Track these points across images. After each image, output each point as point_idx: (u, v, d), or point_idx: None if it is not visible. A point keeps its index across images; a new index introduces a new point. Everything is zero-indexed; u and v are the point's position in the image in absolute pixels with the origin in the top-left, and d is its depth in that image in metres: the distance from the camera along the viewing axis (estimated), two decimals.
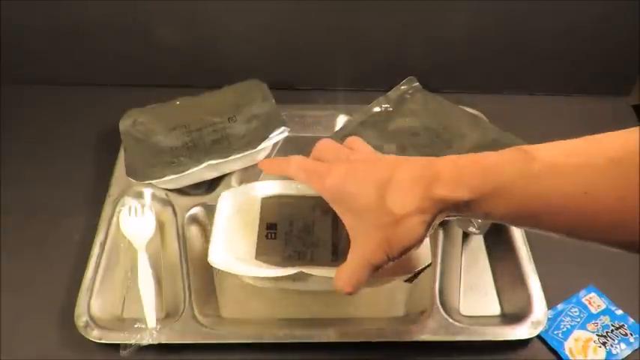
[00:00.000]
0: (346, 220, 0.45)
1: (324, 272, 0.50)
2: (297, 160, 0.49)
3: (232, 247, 0.54)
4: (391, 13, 0.78)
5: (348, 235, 0.46)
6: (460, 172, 0.42)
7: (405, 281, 0.53)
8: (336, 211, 0.46)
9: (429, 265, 0.52)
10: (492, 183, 0.40)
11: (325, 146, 0.51)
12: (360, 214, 0.44)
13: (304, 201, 0.57)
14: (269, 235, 0.55)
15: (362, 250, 0.45)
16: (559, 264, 0.64)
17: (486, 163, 0.41)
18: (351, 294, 0.46)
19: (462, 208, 0.42)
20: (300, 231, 0.55)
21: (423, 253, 0.52)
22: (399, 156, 0.47)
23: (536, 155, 0.40)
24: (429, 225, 0.43)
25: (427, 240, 0.50)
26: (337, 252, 0.54)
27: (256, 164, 0.72)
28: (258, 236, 0.55)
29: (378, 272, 0.45)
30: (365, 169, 0.45)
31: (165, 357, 0.56)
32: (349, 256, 0.46)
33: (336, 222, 0.56)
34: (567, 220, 0.39)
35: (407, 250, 0.44)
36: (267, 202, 0.58)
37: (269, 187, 0.59)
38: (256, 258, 0.53)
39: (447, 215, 0.43)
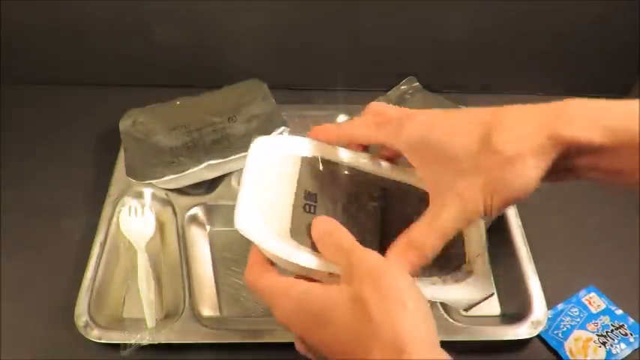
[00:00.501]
0: (427, 173, 0.39)
1: None
2: (362, 118, 0.43)
3: (266, 213, 0.42)
4: (391, 13, 0.78)
5: (397, 233, 0.39)
6: (594, 112, 0.35)
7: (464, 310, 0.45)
8: (414, 164, 0.40)
9: (490, 296, 0.44)
10: (634, 128, 0.34)
11: (382, 105, 0.44)
12: (452, 162, 0.37)
13: (352, 175, 0.46)
14: (307, 207, 0.43)
15: (451, 202, 0.37)
16: (559, 264, 0.64)
17: (630, 106, 0.35)
18: (422, 264, 0.38)
19: (588, 155, 0.35)
20: (343, 212, 0.44)
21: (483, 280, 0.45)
22: None
23: None
24: (543, 173, 0.36)
25: (489, 268, 0.44)
26: (383, 251, 0.41)
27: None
28: (294, 206, 0.43)
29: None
30: (457, 114, 0.39)
31: (165, 357, 0.56)
32: (424, 216, 0.38)
33: (387, 213, 0.45)
34: None
35: (511, 201, 0.37)
36: (309, 164, 0.45)
37: (311, 146, 0.46)
38: (292, 236, 0.41)
39: (565, 166, 0.37)
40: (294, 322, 0.38)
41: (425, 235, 0.38)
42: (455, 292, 0.43)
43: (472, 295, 0.43)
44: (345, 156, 0.46)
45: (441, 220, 0.38)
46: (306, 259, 0.40)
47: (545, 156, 0.36)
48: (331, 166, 0.46)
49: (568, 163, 0.37)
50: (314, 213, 0.43)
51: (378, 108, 0.45)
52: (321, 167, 0.45)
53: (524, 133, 0.36)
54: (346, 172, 0.46)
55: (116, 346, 0.55)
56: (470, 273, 0.44)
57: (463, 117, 0.39)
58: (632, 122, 0.34)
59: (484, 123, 0.38)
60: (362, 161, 0.45)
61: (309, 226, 0.41)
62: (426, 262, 0.39)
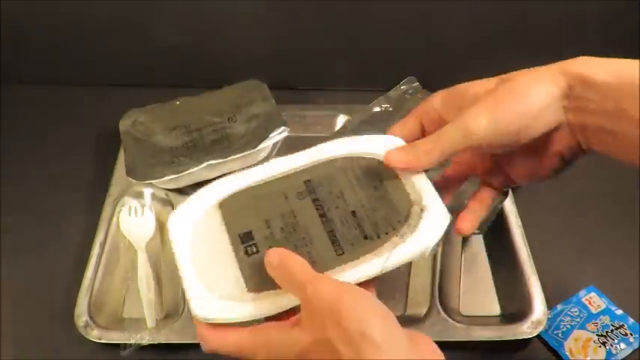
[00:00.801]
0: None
1: (340, 274, 0.39)
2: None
3: (213, 284, 0.40)
4: (391, 13, 0.78)
5: (344, 213, 0.40)
6: (601, 59, 0.39)
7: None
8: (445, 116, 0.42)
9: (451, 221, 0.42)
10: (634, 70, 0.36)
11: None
12: (473, 98, 0.40)
13: (269, 189, 0.44)
14: (248, 249, 0.41)
15: (455, 121, 0.39)
16: (559, 264, 0.64)
17: (633, 60, 0.38)
18: (414, 164, 0.41)
19: (595, 94, 0.37)
20: (283, 230, 0.42)
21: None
22: None
23: None
24: (551, 99, 0.38)
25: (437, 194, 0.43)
26: (338, 241, 0.41)
27: (256, 164, 0.72)
28: (237, 256, 0.40)
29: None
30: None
31: (165, 357, 0.56)
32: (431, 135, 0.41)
33: (319, 201, 0.43)
34: None
35: (517, 118, 0.38)
36: (228, 207, 0.43)
37: (221, 187, 0.45)
38: (249, 289, 0.39)
39: (570, 109, 0.38)
40: None
41: (426, 143, 0.41)
42: (417, 242, 0.41)
43: (436, 232, 0.41)
44: (254, 176, 0.45)
45: (442, 135, 0.40)
46: (271, 306, 0.39)
47: (555, 85, 0.38)
48: (246, 195, 0.44)
49: (580, 100, 0.38)
50: (257, 251, 0.41)
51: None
52: (239, 201, 0.43)
53: (537, 71, 0.39)
54: (265, 191, 0.44)
55: (116, 346, 0.55)
56: (422, 211, 0.42)
57: (484, 80, 0.42)
58: (632, 66, 0.37)
59: (504, 74, 0.41)
60: (273, 168, 0.44)
61: (261, 266, 0.39)
62: (420, 165, 0.41)
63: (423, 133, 0.45)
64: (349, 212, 0.42)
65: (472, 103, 0.40)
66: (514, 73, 0.40)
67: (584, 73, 0.38)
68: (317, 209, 0.43)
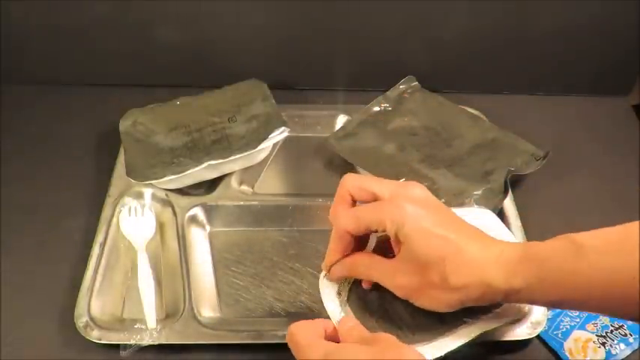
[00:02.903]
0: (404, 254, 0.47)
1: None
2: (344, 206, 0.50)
3: None
4: (391, 13, 0.78)
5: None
6: (508, 262, 0.44)
7: None
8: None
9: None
10: (545, 272, 0.43)
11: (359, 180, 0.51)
12: (417, 263, 0.46)
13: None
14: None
15: (392, 277, 0.48)
16: None
17: (535, 252, 0.44)
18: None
19: (519, 297, 0.44)
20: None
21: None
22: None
23: (583, 243, 0.43)
24: (460, 304, 0.46)
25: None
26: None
27: (256, 164, 0.72)
28: None
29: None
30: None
31: (166, 357, 0.56)
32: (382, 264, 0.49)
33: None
34: (611, 301, 0.41)
35: (427, 309, 0.47)
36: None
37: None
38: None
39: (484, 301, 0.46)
40: None
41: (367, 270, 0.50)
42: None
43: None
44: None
45: (363, 257, 0.50)
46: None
47: (470, 297, 0.45)
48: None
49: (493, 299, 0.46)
50: None
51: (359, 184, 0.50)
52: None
53: (466, 277, 0.44)
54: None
55: (116, 347, 0.55)
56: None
57: (439, 226, 0.46)
58: (545, 264, 0.43)
59: (450, 244, 0.45)
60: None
61: None
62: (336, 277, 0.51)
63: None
64: None
65: (404, 261, 0.47)
66: (452, 265, 0.45)
67: (499, 286, 0.44)
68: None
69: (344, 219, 0.48)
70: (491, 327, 0.51)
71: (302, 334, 0.45)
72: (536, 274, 0.43)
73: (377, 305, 0.52)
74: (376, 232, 0.48)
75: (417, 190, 0.47)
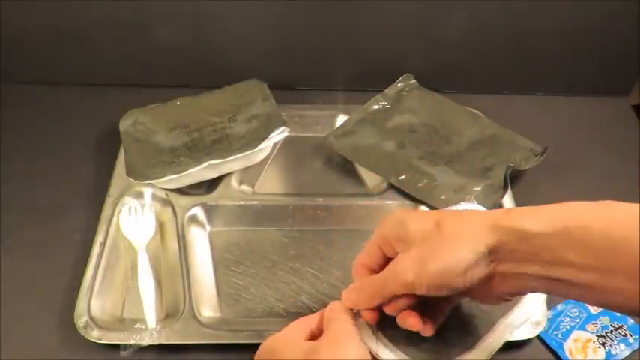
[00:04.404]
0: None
1: None
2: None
3: None
4: (391, 13, 0.78)
5: None
6: (534, 208, 0.40)
7: None
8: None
9: None
10: (572, 219, 0.38)
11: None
12: (409, 242, 0.43)
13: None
14: None
15: (387, 270, 0.44)
16: None
17: (568, 203, 0.41)
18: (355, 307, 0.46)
19: (528, 246, 0.39)
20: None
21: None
22: None
23: (620, 205, 0.40)
24: (475, 260, 0.40)
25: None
26: None
27: (256, 164, 0.72)
28: None
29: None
30: (426, 212, 0.46)
31: (166, 357, 0.56)
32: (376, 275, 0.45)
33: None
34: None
35: (440, 277, 0.40)
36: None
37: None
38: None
39: (503, 260, 0.40)
40: None
41: (370, 286, 0.45)
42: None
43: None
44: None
45: (382, 282, 0.44)
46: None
47: (482, 242, 0.40)
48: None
49: (510, 255, 0.40)
50: None
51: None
52: None
53: (468, 220, 0.41)
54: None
55: (116, 347, 0.55)
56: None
57: (431, 212, 0.46)
58: (565, 213, 0.39)
59: (441, 213, 0.43)
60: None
61: None
62: (365, 306, 0.46)
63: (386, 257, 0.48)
64: None
65: (406, 248, 0.43)
66: (448, 216, 0.43)
67: (517, 227, 0.39)
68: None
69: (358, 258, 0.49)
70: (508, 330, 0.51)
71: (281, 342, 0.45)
72: (564, 220, 0.38)
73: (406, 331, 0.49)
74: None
75: None
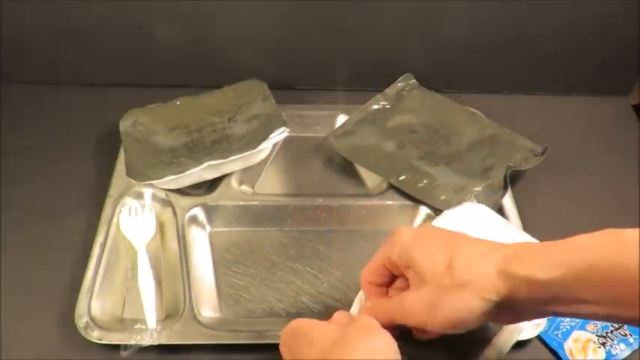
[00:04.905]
0: (410, 276, 0.44)
1: None
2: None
3: None
4: (391, 13, 0.78)
5: None
6: (544, 250, 0.38)
7: None
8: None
9: None
10: (582, 258, 0.37)
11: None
12: (421, 276, 0.41)
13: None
14: None
15: (396, 303, 0.43)
16: None
17: (574, 240, 0.38)
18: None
19: (540, 292, 0.37)
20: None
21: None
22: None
23: (627, 234, 0.38)
24: (488, 308, 0.39)
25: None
26: None
27: (256, 164, 0.72)
28: None
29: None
30: (438, 235, 0.44)
31: (166, 357, 0.56)
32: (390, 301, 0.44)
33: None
34: None
35: (449, 323, 0.40)
36: None
37: None
38: None
39: (514, 308, 0.39)
40: None
41: (383, 309, 0.44)
42: None
43: None
44: None
45: (392, 311, 0.43)
46: None
47: (493, 292, 0.38)
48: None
49: (522, 302, 0.39)
50: None
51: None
52: None
53: (481, 263, 0.39)
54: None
55: (116, 347, 0.55)
56: None
57: (440, 238, 0.43)
58: (572, 255, 0.37)
59: (453, 250, 0.41)
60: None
61: None
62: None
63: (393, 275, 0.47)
64: None
65: (414, 281, 0.42)
66: (460, 258, 0.41)
67: (528, 276, 0.38)
68: None
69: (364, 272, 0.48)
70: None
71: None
72: (572, 263, 0.37)
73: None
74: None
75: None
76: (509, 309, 0.39)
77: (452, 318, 0.40)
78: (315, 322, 0.43)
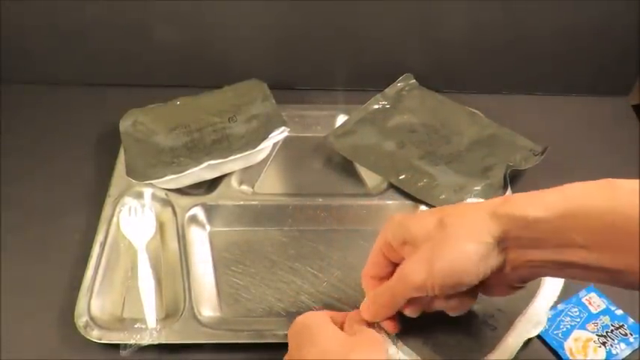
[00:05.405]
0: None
1: None
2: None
3: None
4: (391, 13, 0.78)
5: None
6: (534, 194, 0.39)
7: None
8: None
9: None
10: (573, 201, 0.37)
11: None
12: (413, 241, 0.42)
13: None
14: None
15: (396, 275, 0.43)
16: None
17: (566, 186, 0.39)
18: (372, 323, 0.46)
19: (531, 232, 0.38)
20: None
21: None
22: None
23: (621, 183, 0.37)
24: (484, 252, 0.39)
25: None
26: None
27: (256, 164, 0.72)
28: None
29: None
30: (429, 210, 0.45)
31: (166, 357, 0.56)
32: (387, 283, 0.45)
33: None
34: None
35: (451, 277, 0.40)
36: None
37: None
38: None
39: (510, 248, 0.40)
40: None
41: (383, 296, 0.45)
42: None
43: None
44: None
45: (393, 288, 0.44)
46: None
47: (488, 235, 0.39)
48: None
49: (517, 242, 0.39)
50: None
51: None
52: None
53: (470, 214, 0.40)
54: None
55: (116, 347, 0.55)
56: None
57: (430, 210, 0.44)
58: (575, 194, 0.38)
59: (441, 210, 0.42)
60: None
61: None
62: (383, 317, 0.46)
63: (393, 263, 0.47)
64: None
65: (411, 251, 0.43)
66: (449, 213, 0.42)
67: (518, 214, 0.38)
68: None
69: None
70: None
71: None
72: (564, 205, 0.37)
73: (425, 333, 0.49)
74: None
75: None
76: (502, 254, 0.40)
77: (451, 269, 0.40)
78: (326, 321, 0.44)
